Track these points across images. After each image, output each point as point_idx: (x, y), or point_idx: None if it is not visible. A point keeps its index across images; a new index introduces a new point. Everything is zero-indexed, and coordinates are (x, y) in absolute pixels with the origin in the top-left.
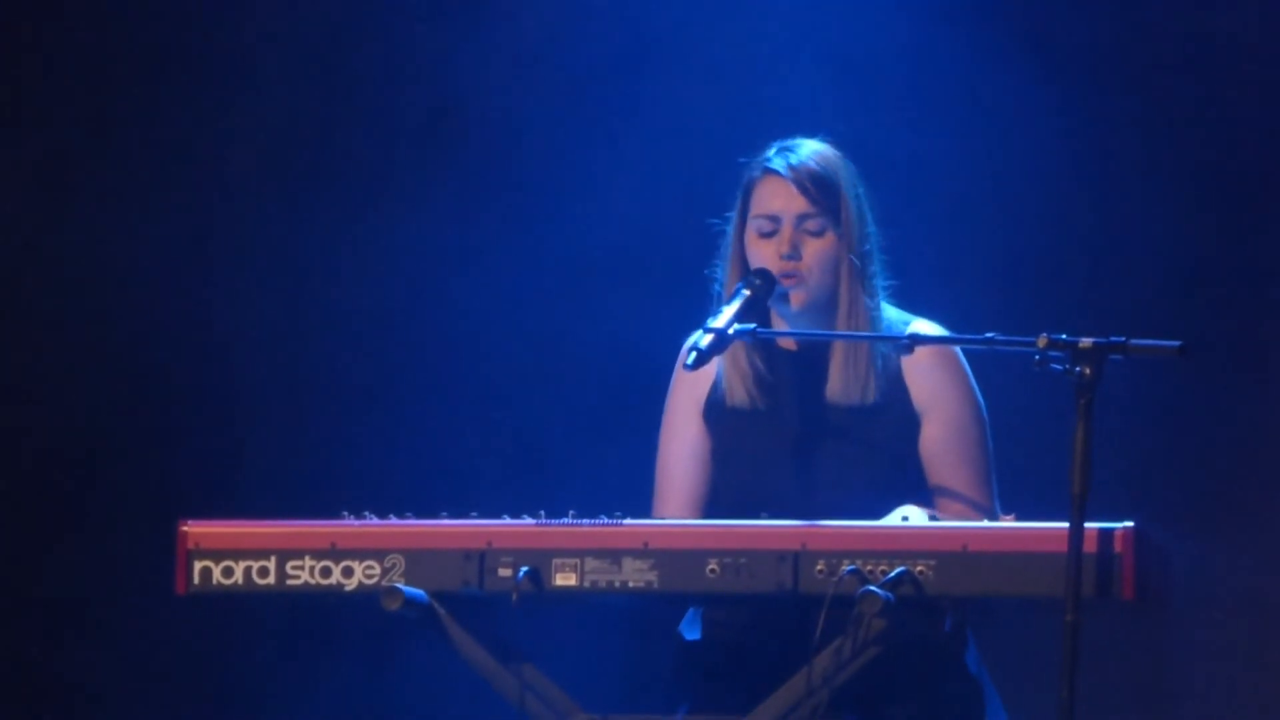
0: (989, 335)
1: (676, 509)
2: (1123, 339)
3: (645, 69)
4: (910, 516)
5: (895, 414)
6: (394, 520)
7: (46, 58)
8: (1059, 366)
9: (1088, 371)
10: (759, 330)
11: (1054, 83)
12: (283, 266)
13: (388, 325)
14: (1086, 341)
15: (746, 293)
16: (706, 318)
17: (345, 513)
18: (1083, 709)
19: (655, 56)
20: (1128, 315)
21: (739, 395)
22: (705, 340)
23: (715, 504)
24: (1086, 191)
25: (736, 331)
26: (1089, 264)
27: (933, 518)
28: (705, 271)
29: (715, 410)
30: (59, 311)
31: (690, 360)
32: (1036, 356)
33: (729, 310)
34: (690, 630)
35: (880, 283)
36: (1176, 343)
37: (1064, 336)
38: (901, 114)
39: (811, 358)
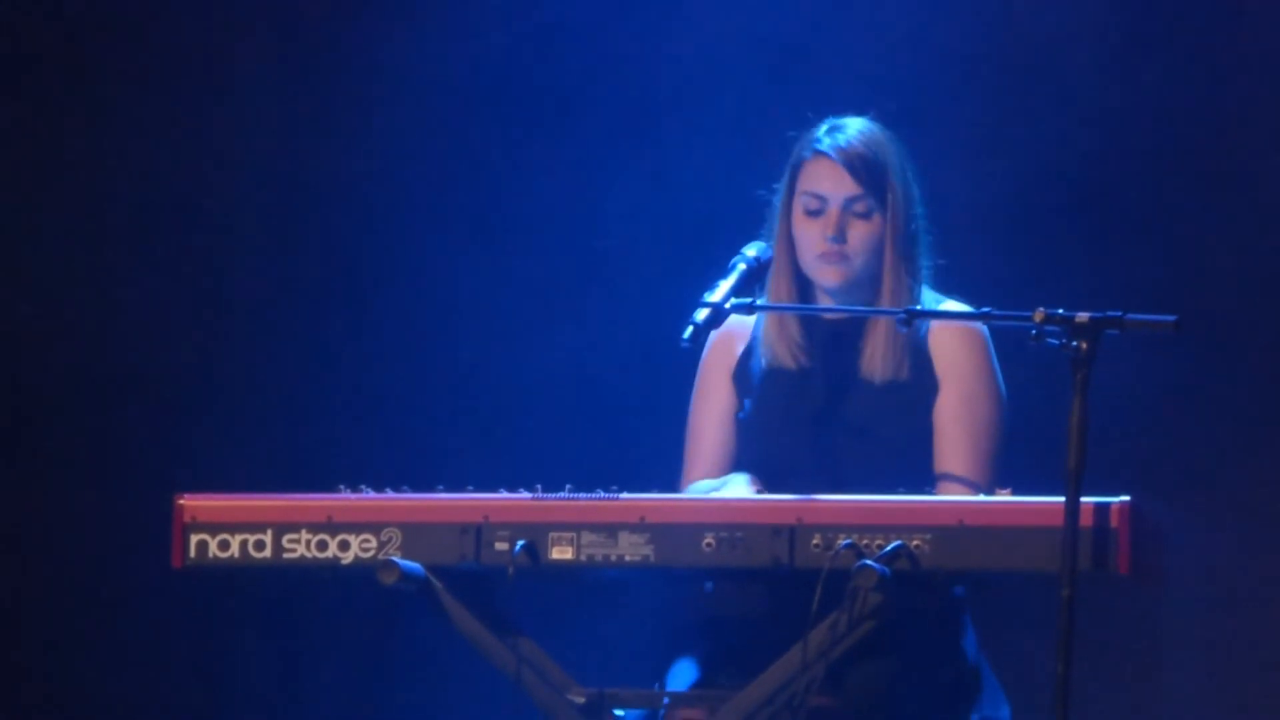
0: (985, 310)
1: (705, 471)
2: (1119, 313)
3: (650, 61)
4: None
5: (922, 390)
6: (390, 494)
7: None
8: (1055, 341)
9: (1084, 346)
10: (756, 304)
11: (1051, 68)
12: (277, 243)
13: (383, 299)
14: (1083, 316)
15: (742, 266)
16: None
17: (342, 486)
18: (1078, 683)
19: (665, 49)
20: (1124, 292)
21: (782, 355)
22: (701, 314)
23: (738, 468)
24: (1085, 169)
25: (733, 306)
26: (1086, 241)
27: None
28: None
29: (747, 372)
30: (54, 286)
31: (686, 335)
32: (1033, 331)
33: (725, 284)
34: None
35: (925, 263)
36: (1173, 317)
37: (1060, 311)
38: (901, 93)
39: (847, 331)
